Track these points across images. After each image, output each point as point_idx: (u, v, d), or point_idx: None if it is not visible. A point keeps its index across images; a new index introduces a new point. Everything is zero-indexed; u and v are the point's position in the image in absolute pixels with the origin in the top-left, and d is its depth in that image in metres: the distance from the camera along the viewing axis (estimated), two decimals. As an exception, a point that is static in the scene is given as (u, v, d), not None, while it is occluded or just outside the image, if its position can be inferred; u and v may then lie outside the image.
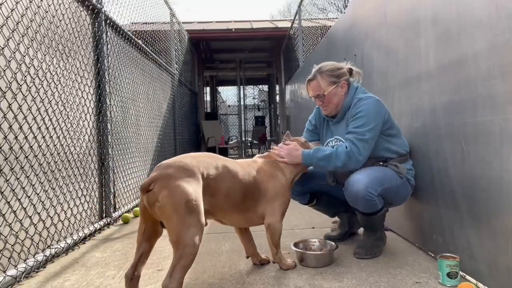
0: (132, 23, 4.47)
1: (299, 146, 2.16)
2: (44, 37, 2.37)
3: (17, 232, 1.98)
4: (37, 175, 2.20)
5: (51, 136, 2.39)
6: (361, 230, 2.49)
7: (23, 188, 2.06)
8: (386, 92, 2.65)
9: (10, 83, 1.99)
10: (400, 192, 2.18)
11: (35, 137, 2.19)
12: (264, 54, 12.91)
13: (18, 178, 2.02)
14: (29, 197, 2.11)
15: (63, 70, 2.60)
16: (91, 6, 3.09)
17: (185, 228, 1.48)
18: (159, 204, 1.50)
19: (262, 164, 2.03)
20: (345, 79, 2.24)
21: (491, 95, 1.57)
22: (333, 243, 2.20)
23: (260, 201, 1.93)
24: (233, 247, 2.47)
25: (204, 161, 1.72)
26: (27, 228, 2.07)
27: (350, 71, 2.28)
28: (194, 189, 1.56)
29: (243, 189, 1.84)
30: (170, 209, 1.48)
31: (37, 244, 2.18)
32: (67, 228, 2.54)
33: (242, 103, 13.39)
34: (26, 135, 2.11)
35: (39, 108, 2.26)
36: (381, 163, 2.19)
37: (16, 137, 2.01)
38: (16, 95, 2.03)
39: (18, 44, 2.08)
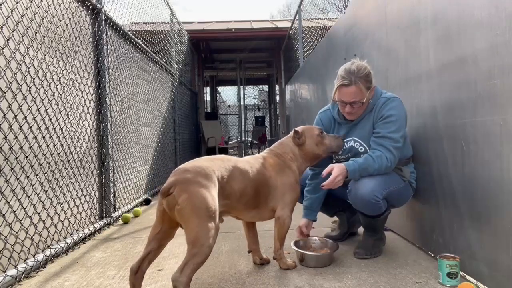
0: (132, 23, 4.47)
1: (338, 173, 2.00)
2: (44, 37, 2.36)
3: (17, 232, 1.98)
4: (37, 175, 2.19)
5: (51, 136, 2.39)
6: (361, 230, 2.49)
7: (23, 188, 2.06)
8: (386, 92, 2.65)
9: (10, 83, 1.99)
10: (402, 195, 2.18)
11: (35, 137, 2.19)
12: (264, 54, 12.91)
13: (18, 178, 2.02)
14: (29, 197, 2.11)
15: (63, 70, 2.59)
16: (91, 6, 3.09)
17: (203, 229, 1.54)
18: (178, 207, 1.55)
19: (271, 159, 2.05)
20: (374, 83, 2.16)
21: (491, 95, 1.57)
22: (333, 242, 2.19)
23: (270, 197, 1.97)
24: (233, 247, 2.47)
25: (219, 165, 1.77)
26: (27, 228, 2.07)
27: None
28: (212, 195, 1.62)
29: (254, 188, 1.89)
30: (190, 211, 1.54)
31: (37, 244, 2.18)
32: (67, 228, 2.54)
33: (242, 103, 13.38)
34: (26, 135, 2.11)
35: (39, 108, 2.26)
36: None
37: (16, 137, 2.01)
38: (16, 95, 2.03)
39: (18, 44, 2.08)
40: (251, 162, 1.97)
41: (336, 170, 2.00)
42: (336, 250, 2.13)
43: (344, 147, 2.25)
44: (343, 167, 2.02)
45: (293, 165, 2.08)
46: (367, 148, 2.18)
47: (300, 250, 2.12)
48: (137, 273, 1.61)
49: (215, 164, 1.75)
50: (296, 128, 2.15)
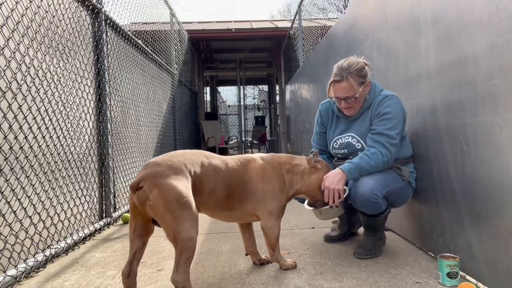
0: (132, 23, 4.47)
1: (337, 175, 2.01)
2: (44, 37, 2.36)
3: (17, 232, 1.98)
4: (37, 175, 2.20)
5: (51, 136, 2.39)
6: (361, 230, 2.49)
7: (23, 188, 2.06)
8: (386, 92, 2.65)
9: (10, 83, 1.99)
10: (402, 194, 2.18)
11: (35, 137, 2.19)
12: (264, 54, 12.90)
13: (18, 178, 2.02)
14: (29, 197, 2.11)
15: (63, 70, 2.60)
16: (91, 6, 3.09)
17: (180, 224, 1.51)
18: (150, 203, 1.52)
19: (256, 163, 1.96)
20: (369, 77, 2.17)
21: (491, 95, 1.57)
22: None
23: (247, 201, 1.89)
24: (233, 247, 2.47)
25: (191, 159, 1.72)
26: (27, 228, 2.07)
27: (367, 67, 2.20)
28: (184, 186, 1.58)
29: (227, 189, 1.82)
30: (162, 207, 1.51)
31: (37, 244, 2.18)
32: (67, 228, 2.54)
33: (242, 103, 13.39)
34: (26, 135, 2.11)
35: (39, 108, 2.26)
36: None
37: (16, 137, 2.01)
38: (16, 95, 2.03)
39: (18, 44, 2.08)
40: (230, 162, 1.88)
41: (328, 178, 2.00)
42: (346, 194, 2.06)
43: (341, 142, 2.28)
44: (338, 171, 2.03)
45: (285, 176, 2.00)
46: (364, 145, 2.19)
47: (311, 208, 2.12)
48: (130, 275, 1.60)
49: (188, 158, 1.71)
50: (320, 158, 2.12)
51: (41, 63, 2.32)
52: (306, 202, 2.18)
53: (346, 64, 2.14)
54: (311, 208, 2.14)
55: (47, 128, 2.34)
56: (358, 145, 2.22)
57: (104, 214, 3.22)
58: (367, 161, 2.05)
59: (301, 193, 2.08)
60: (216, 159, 1.85)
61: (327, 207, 2.04)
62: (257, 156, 2.02)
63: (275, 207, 1.94)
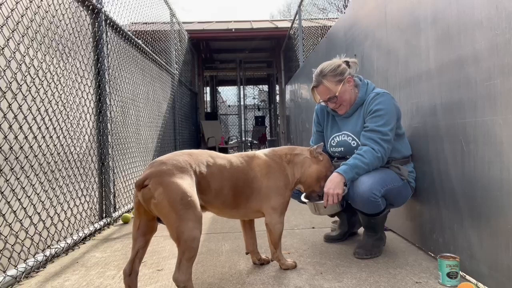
0: (132, 23, 4.47)
1: (335, 178, 2.03)
2: (44, 37, 2.36)
3: (17, 232, 1.98)
4: (37, 175, 2.20)
5: (51, 136, 2.39)
6: (361, 230, 2.49)
7: (23, 188, 2.06)
8: (386, 92, 2.65)
9: (10, 83, 1.99)
10: (401, 194, 2.18)
11: (35, 137, 2.19)
12: (264, 54, 12.92)
13: (18, 178, 2.02)
14: (29, 197, 2.11)
15: (63, 70, 2.60)
16: (91, 6, 3.09)
17: (183, 223, 1.52)
18: (155, 201, 1.53)
19: (259, 159, 1.97)
20: (348, 73, 2.23)
21: (491, 95, 1.57)
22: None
23: (253, 198, 1.91)
24: (233, 247, 2.47)
25: (196, 159, 1.74)
26: (27, 228, 2.07)
27: (348, 64, 2.26)
28: (188, 185, 1.59)
29: (233, 188, 1.84)
30: (167, 206, 1.52)
31: (37, 244, 2.18)
32: (67, 228, 2.54)
33: (242, 103, 13.39)
34: (26, 135, 2.11)
35: (39, 108, 2.26)
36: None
37: (16, 137, 2.01)
38: (16, 95, 2.03)
39: (18, 44, 2.08)
40: (234, 160, 1.90)
41: (327, 183, 2.02)
42: (344, 193, 2.05)
43: (338, 140, 2.31)
44: (335, 174, 2.03)
45: (288, 169, 2.01)
46: (359, 143, 2.20)
47: (310, 201, 2.10)
48: (131, 274, 1.61)
49: (193, 158, 1.72)
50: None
51: (41, 63, 2.32)
52: (303, 195, 2.19)
53: (319, 69, 2.26)
54: (307, 201, 2.14)
55: (47, 128, 2.34)
56: (353, 143, 2.23)
57: (104, 214, 3.22)
58: (360, 159, 2.06)
59: (300, 183, 2.09)
60: (221, 158, 1.86)
61: (321, 202, 2.05)
62: (260, 152, 2.04)
63: (280, 203, 1.95)
